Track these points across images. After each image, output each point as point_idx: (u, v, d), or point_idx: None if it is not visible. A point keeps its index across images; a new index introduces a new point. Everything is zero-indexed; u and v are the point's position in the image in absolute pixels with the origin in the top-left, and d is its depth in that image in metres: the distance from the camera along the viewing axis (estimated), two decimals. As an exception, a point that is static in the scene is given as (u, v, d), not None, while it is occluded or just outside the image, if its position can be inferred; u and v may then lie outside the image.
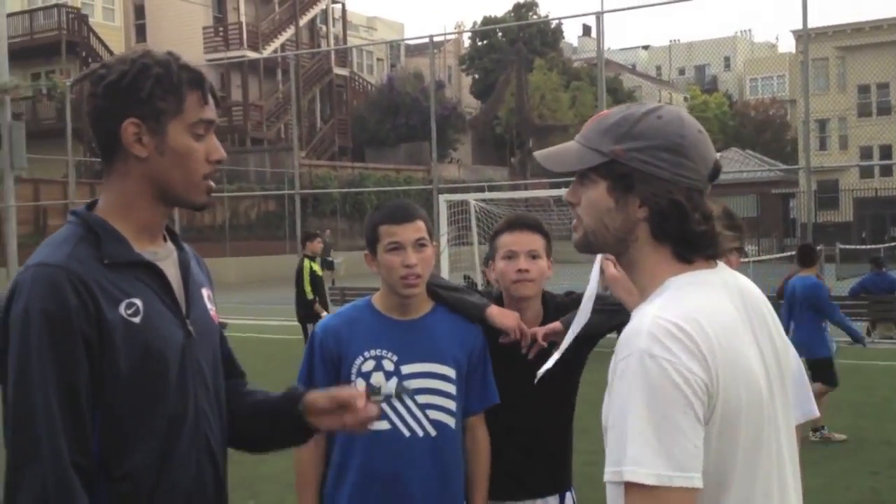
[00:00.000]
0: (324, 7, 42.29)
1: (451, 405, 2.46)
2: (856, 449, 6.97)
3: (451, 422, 2.46)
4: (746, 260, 15.50)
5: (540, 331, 2.56)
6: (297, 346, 9.81)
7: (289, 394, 1.88)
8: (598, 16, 13.79)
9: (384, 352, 2.42)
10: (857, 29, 39.33)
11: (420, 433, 2.42)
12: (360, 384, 1.85)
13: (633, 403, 1.31)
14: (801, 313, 7.29)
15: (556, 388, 2.57)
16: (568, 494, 2.71)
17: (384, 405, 2.41)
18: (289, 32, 39.54)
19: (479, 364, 2.54)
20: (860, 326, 11.80)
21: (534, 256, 2.63)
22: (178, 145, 1.68)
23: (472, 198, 16.11)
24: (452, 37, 50.07)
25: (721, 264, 1.52)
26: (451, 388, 2.46)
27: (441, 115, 30.32)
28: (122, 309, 1.61)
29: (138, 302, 1.64)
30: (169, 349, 1.66)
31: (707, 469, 1.33)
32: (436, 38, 17.89)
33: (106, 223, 1.68)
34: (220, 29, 37.77)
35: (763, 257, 24.55)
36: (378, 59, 50.01)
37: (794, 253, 20.37)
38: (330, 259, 21.59)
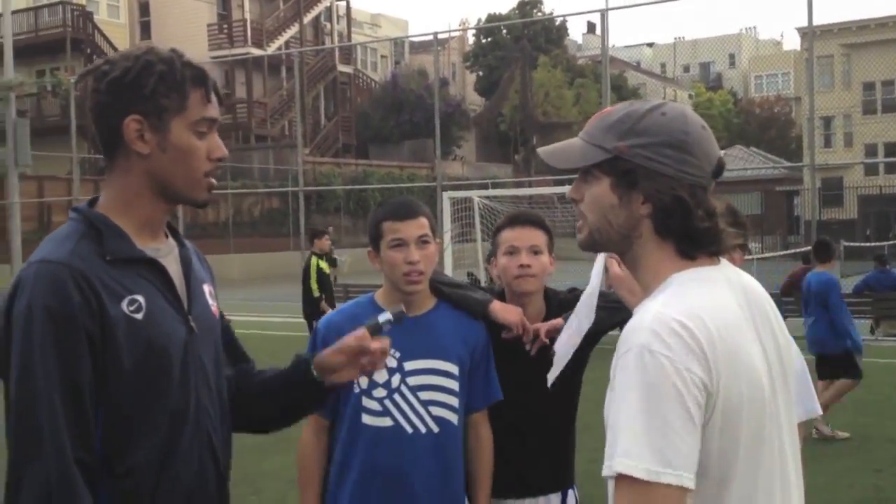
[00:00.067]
0: (328, 4, 42.30)
1: (454, 402, 2.46)
2: (858, 446, 6.97)
3: (453, 418, 2.46)
4: (750, 257, 15.47)
5: (543, 326, 2.55)
6: (300, 342, 9.76)
7: (298, 362, 1.89)
8: (603, 13, 13.75)
9: (387, 348, 2.42)
10: (863, 26, 39.25)
11: (423, 430, 2.42)
12: (360, 329, 1.87)
13: (628, 398, 1.31)
14: (816, 309, 7.27)
15: (559, 385, 2.57)
16: (570, 492, 2.71)
17: (387, 403, 2.41)
18: (293, 29, 39.56)
19: (482, 361, 2.54)
20: (864, 324, 11.80)
21: (535, 252, 2.63)
22: (180, 143, 1.68)
23: (475, 195, 16.09)
24: (457, 34, 50.11)
25: (724, 261, 1.52)
26: (454, 385, 2.46)
27: (445, 112, 30.36)
28: (124, 305, 1.61)
29: (140, 298, 1.64)
30: (171, 345, 1.67)
31: (709, 466, 1.34)
32: (440, 36, 17.88)
33: (108, 219, 1.68)
34: (225, 26, 37.80)
35: (767, 255, 24.52)
36: (382, 57, 50.02)
37: (798, 250, 20.38)
38: (334, 256, 21.61)
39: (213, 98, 1.73)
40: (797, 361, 2.40)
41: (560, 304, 2.68)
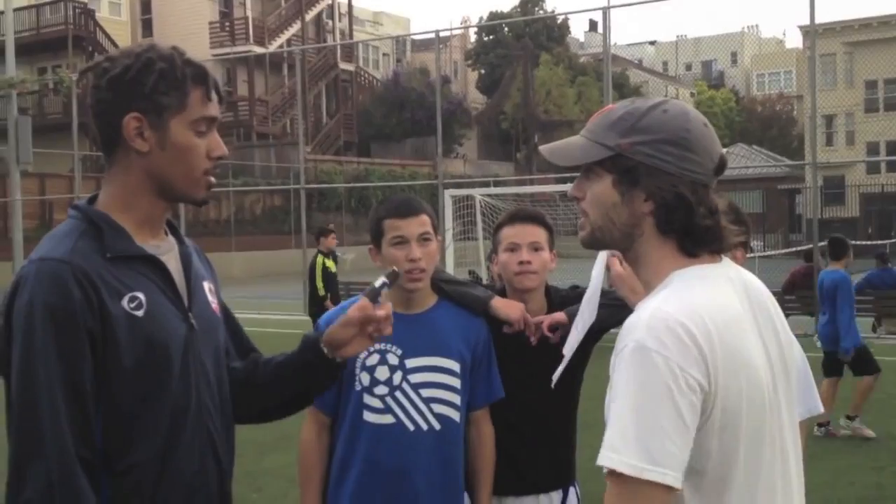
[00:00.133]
0: (330, 2, 42.26)
1: (456, 399, 2.46)
2: (860, 444, 6.97)
3: (455, 416, 2.46)
4: (752, 255, 15.46)
5: (546, 320, 2.55)
6: (301, 340, 9.75)
7: (307, 343, 1.87)
8: (605, 11, 13.73)
9: (388, 345, 2.42)
10: (865, 24, 39.18)
11: (424, 427, 2.42)
12: (360, 300, 1.87)
13: (621, 394, 1.32)
14: (828, 307, 7.26)
15: (560, 382, 2.57)
16: (572, 489, 2.71)
17: (389, 400, 2.41)
18: (295, 27, 39.55)
19: (484, 358, 2.54)
20: (865, 322, 11.79)
21: (536, 248, 2.63)
22: (180, 141, 1.68)
23: (477, 193, 16.09)
24: (459, 32, 50.10)
25: (726, 259, 1.52)
26: (456, 382, 2.46)
27: (447, 110, 30.32)
28: (124, 302, 1.61)
29: (141, 295, 1.64)
30: (172, 342, 1.66)
31: (709, 465, 1.34)
32: (442, 33, 17.86)
33: (108, 217, 1.68)
34: (227, 24, 37.79)
35: (769, 253, 24.50)
36: (384, 54, 49.99)
37: (799, 248, 20.34)
38: (336, 254, 21.57)
39: (214, 96, 1.72)
40: (799, 359, 2.39)
41: (562, 301, 2.68)
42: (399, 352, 2.42)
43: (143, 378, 1.62)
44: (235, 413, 1.86)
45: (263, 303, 17.88)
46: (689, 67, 65.59)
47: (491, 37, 48.09)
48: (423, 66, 42.75)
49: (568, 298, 2.68)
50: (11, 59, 18.07)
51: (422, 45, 48.45)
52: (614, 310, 2.43)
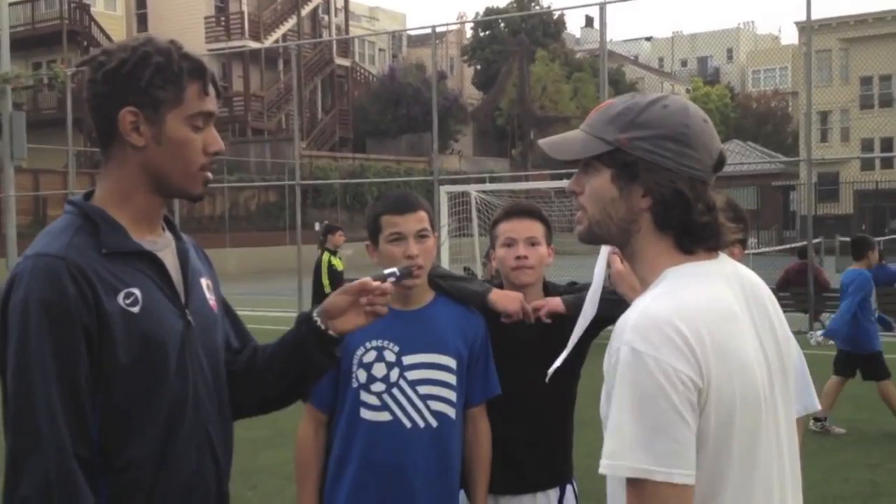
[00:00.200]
0: (325, -3, 42.21)
1: (453, 396, 2.45)
2: (855, 441, 6.98)
3: (452, 413, 2.46)
4: (746, 252, 15.50)
5: (545, 307, 2.55)
6: (297, 337, 9.71)
7: (300, 317, 1.84)
8: (601, 6, 13.73)
9: (386, 342, 2.41)
10: (861, 20, 39.23)
11: (421, 424, 2.41)
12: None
13: (617, 400, 1.32)
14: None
15: (557, 379, 2.56)
16: (569, 487, 2.70)
17: (386, 397, 2.41)
18: (290, 22, 39.47)
19: (481, 355, 2.53)
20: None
21: (533, 243, 2.63)
22: (176, 136, 1.66)
23: (473, 189, 16.08)
24: (455, 27, 50.05)
25: (723, 255, 1.51)
26: (453, 379, 2.45)
27: (443, 105, 30.29)
28: (120, 299, 1.60)
29: (137, 292, 1.63)
30: (168, 339, 1.65)
31: (704, 462, 1.33)
32: (438, 29, 17.84)
33: (104, 212, 1.67)
34: (222, 18, 37.70)
35: (763, 249, 24.53)
36: (380, 50, 49.95)
37: (793, 245, 20.33)
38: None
39: (211, 91, 1.70)
40: (796, 356, 2.39)
41: (560, 296, 2.67)
42: (396, 348, 2.42)
43: (140, 375, 1.61)
44: (237, 404, 1.84)
45: (258, 299, 17.85)
46: (684, 63, 65.64)
47: (487, 32, 48.05)
48: (419, 61, 42.72)
49: (566, 294, 2.68)
50: (6, 53, 17.99)
51: (418, 41, 48.40)
52: (613, 304, 2.43)
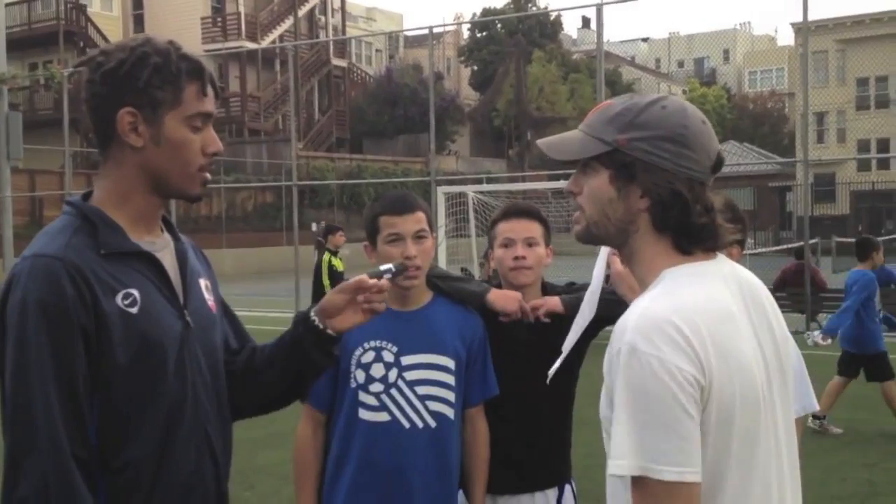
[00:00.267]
0: (322, -3, 42.21)
1: (451, 396, 2.45)
2: (852, 441, 6.99)
3: (450, 413, 2.46)
4: (743, 253, 15.51)
5: (543, 306, 2.55)
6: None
7: (298, 317, 1.84)
8: (598, 7, 13.73)
9: (384, 343, 2.41)
10: (857, 21, 39.28)
11: (420, 425, 2.41)
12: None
13: (621, 400, 1.32)
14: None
15: (556, 379, 2.56)
16: (567, 487, 2.70)
17: (384, 398, 2.41)
18: (287, 23, 39.46)
19: (479, 355, 2.53)
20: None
21: (531, 244, 2.63)
22: (174, 136, 1.66)
23: (470, 190, 16.08)
24: (452, 28, 50.10)
25: (721, 256, 1.51)
26: (451, 380, 2.45)
27: (440, 106, 30.31)
28: (118, 299, 1.60)
29: (135, 292, 1.63)
30: (166, 339, 1.65)
31: (704, 460, 1.33)
32: (435, 30, 17.82)
33: (102, 213, 1.67)
34: (219, 19, 37.69)
35: (759, 250, 24.54)
36: (377, 51, 49.96)
37: (790, 246, 20.36)
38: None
39: (210, 92, 1.70)
40: (794, 356, 2.40)
41: (558, 296, 2.67)
42: (394, 349, 2.42)
43: (138, 375, 1.61)
44: (236, 404, 1.84)
45: (255, 300, 17.84)
46: (681, 64, 65.73)
47: (484, 33, 48.07)
48: (416, 62, 42.70)
49: (564, 294, 2.68)
50: (2, 54, 17.99)
51: (415, 42, 48.40)
52: (612, 303, 2.43)
